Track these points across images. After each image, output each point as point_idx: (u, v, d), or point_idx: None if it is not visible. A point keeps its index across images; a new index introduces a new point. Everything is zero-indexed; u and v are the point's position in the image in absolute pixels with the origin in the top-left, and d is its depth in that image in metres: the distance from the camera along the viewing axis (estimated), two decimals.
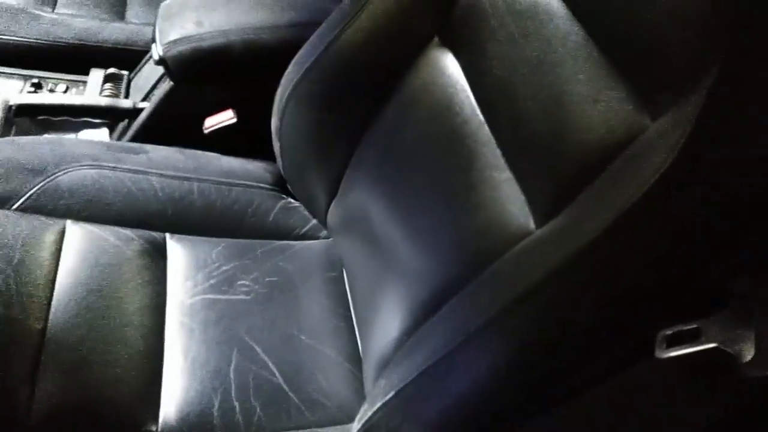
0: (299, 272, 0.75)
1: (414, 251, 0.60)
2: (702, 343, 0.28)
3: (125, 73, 0.91)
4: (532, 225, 0.45)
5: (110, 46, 0.93)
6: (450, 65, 0.58)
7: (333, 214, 0.76)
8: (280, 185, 0.81)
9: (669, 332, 0.29)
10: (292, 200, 0.81)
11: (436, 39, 0.61)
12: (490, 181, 0.50)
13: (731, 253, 0.29)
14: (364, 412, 0.46)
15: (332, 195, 0.75)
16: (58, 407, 0.56)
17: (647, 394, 0.35)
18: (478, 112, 0.54)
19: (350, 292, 0.74)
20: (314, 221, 0.81)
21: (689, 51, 0.33)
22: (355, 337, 0.71)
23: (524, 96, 0.47)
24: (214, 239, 0.75)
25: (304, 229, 0.80)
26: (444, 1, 0.59)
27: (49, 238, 0.66)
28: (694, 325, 0.29)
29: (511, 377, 0.36)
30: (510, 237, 0.45)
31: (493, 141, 0.51)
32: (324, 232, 0.81)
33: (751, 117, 0.30)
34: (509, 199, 0.48)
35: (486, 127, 0.52)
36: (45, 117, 0.80)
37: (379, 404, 0.43)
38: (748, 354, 0.29)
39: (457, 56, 0.58)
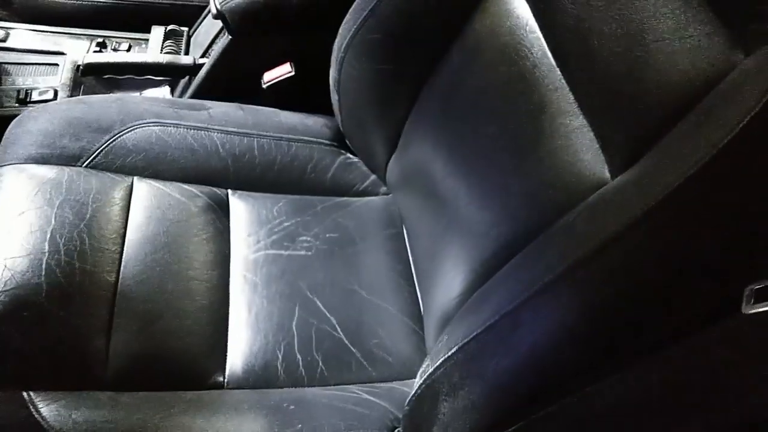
0: (359, 228, 0.75)
1: (478, 206, 0.57)
2: None
3: (185, 29, 0.91)
4: (606, 174, 0.42)
5: (170, 2, 0.94)
6: (518, 6, 0.54)
7: (393, 169, 0.74)
8: (339, 140, 0.80)
9: (757, 286, 0.26)
10: (351, 156, 0.80)
11: None
12: (562, 128, 0.46)
13: None
14: (426, 368, 0.46)
15: (392, 149, 0.74)
16: (133, 357, 0.58)
17: (732, 354, 0.32)
18: (549, 55, 0.50)
19: (411, 248, 0.73)
20: (374, 177, 0.80)
21: None
22: (416, 294, 0.71)
23: (600, 35, 0.43)
24: (275, 195, 0.75)
25: (364, 185, 0.79)
26: None
27: (118, 194, 0.68)
28: None
29: (581, 334, 0.34)
30: (583, 187, 0.42)
31: (565, 85, 0.47)
32: (384, 188, 0.79)
33: None
34: (582, 147, 0.44)
35: (557, 71, 0.49)
36: (110, 76, 0.82)
37: (441, 359, 0.42)
38: None
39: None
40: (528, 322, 0.35)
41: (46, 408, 0.52)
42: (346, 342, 0.65)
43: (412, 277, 0.72)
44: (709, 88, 0.34)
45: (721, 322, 0.29)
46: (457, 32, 0.60)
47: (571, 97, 0.47)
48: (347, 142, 0.80)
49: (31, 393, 0.53)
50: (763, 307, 0.26)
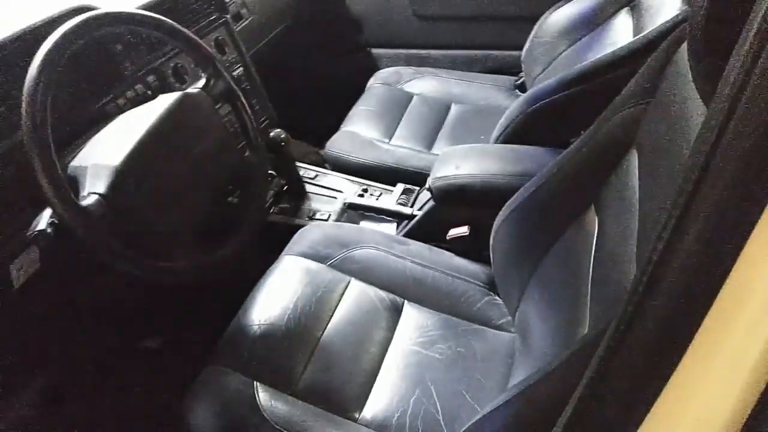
0: (483, 352, 1.02)
1: (541, 352, 0.83)
2: None
3: (417, 188, 1.35)
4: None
5: (413, 169, 1.39)
6: (593, 227, 0.81)
7: (517, 314, 1.02)
8: (490, 284, 1.10)
9: None
10: (497, 297, 1.10)
11: (592, 206, 0.84)
12: (579, 309, 0.72)
13: None
14: None
15: (519, 299, 1.01)
16: (315, 383, 0.96)
17: None
18: (592, 262, 0.76)
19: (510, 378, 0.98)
20: (509, 317, 1.07)
21: None
22: None
23: (608, 258, 0.69)
24: (434, 311, 1.08)
25: (500, 322, 1.07)
26: (601, 181, 0.82)
27: (340, 286, 1.09)
28: None
29: None
30: (568, 346, 0.67)
31: (590, 281, 0.73)
32: (513, 328, 1.06)
33: None
34: (582, 324, 0.69)
35: (590, 273, 0.74)
36: (362, 211, 1.28)
37: None
38: None
39: (599, 222, 0.81)
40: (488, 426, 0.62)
41: (263, 394, 0.93)
42: (442, 423, 0.92)
43: None
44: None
45: None
46: (560, 234, 0.88)
47: (589, 299, 0.72)
48: (497, 286, 1.10)
49: (257, 383, 0.94)
50: None
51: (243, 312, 1.04)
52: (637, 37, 1.09)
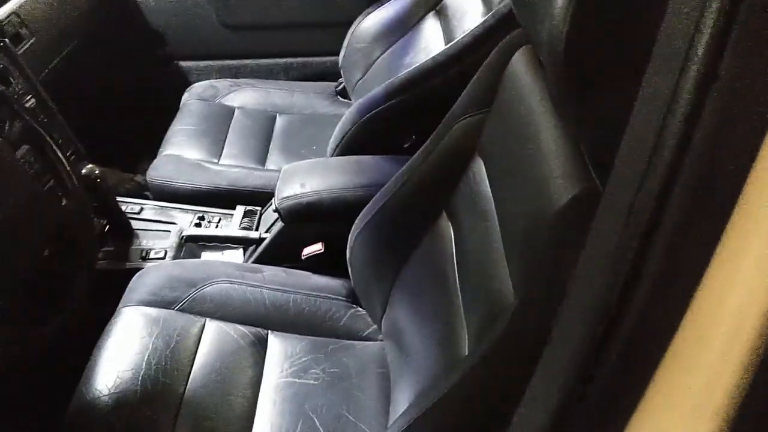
0: (357, 366, 1.02)
1: (421, 356, 0.84)
2: None
3: (259, 209, 1.28)
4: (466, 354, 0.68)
5: (251, 189, 1.32)
6: (449, 233, 0.84)
7: (384, 323, 1.02)
8: (352, 298, 1.10)
9: None
10: (360, 309, 1.09)
11: (444, 213, 0.87)
12: (455, 319, 0.74)
13: None
14: None
15: (384, 308, 1.02)
16: None
17: None
18: (456, 270, 0.78)
19: (391, 384, 0.98)
20: (374, 326, 1.08)
21: None
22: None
23: (473, 266, 0.72)
24: (300, 336, 1.04)
25: (367, 332, 1.07)
26: (449, 188, 0.86)
27: (194, 330, 1.00)
28: None
29: None
30: (453, 362, 0.68)
31: (459, 290, 0.75)
32: (381, 335, 1.07)
33: None
34: (461, 336, 0.71)
35: (458, 282, 0.77)
36: (202, 243, 1.19)
37: None
38: None
39: (453, 228, 0.84)
40: None
41: None
42: None
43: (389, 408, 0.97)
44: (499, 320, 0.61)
45: None
46: (417, 242, 0.91)
47: (460, 298, 0.74)
48: (359, 298, 1.09)
49: None
50: None
51: (85, 383, 0.90)
52: (451, 42, 1.15)
